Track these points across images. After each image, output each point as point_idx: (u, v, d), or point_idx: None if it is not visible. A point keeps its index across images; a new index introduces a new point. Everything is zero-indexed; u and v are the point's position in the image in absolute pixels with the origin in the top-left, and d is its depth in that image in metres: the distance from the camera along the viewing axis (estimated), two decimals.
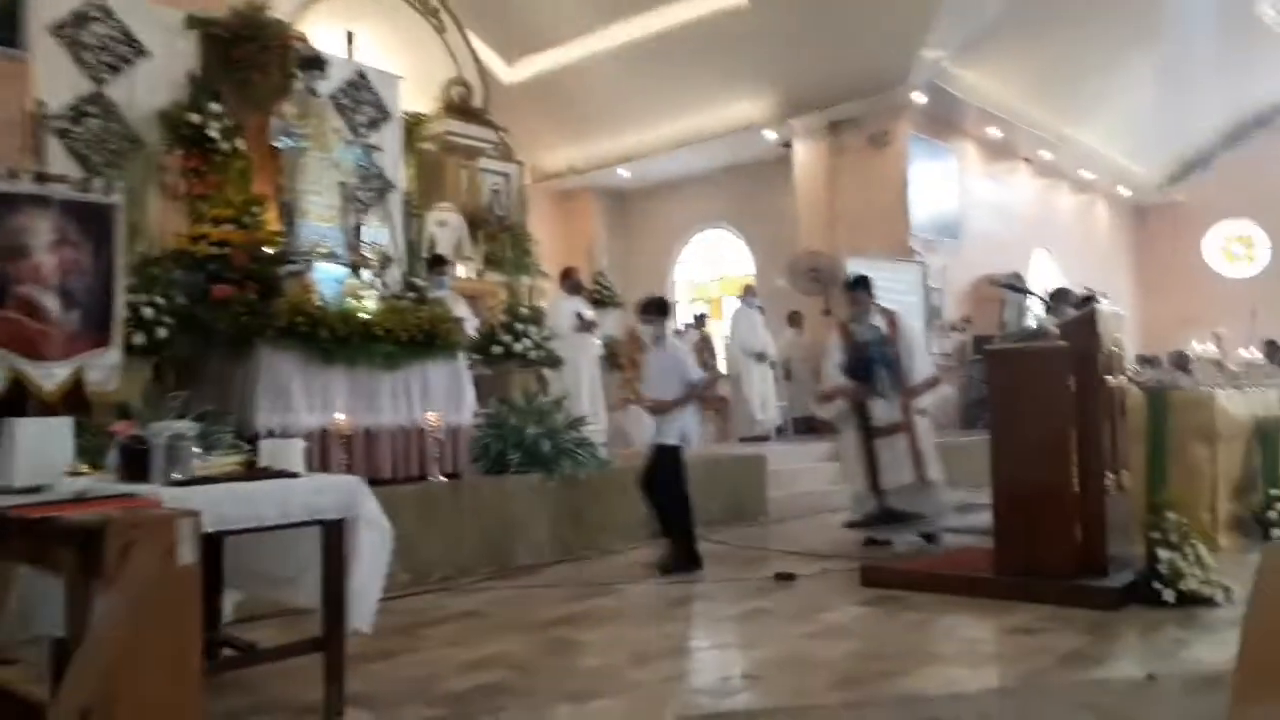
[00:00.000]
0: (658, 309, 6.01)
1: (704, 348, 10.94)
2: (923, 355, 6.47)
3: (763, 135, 14.22)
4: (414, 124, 12.62)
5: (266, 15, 7.05)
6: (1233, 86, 16.55)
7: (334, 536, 3.33)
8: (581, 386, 8.07)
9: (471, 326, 7.79)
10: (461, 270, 11.43)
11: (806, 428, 11.98)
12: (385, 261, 7.03)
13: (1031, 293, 7.04)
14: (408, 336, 6.00)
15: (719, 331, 14.80)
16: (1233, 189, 18.08)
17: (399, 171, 8.31)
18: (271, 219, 6.50)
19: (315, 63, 6.73)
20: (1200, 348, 6.19)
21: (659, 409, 5.78)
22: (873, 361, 6.22)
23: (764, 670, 3.67)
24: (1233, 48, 14.33)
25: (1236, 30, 13.33)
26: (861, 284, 6.49)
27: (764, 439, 10.20)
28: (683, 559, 5.64)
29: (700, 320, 13.05)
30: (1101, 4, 12.95)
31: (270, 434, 5.42)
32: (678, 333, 14.90)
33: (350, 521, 3.36)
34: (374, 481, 5.68)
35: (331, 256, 6.41)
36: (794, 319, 12.69)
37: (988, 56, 13.27)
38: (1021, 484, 4.64)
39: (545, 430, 6.29)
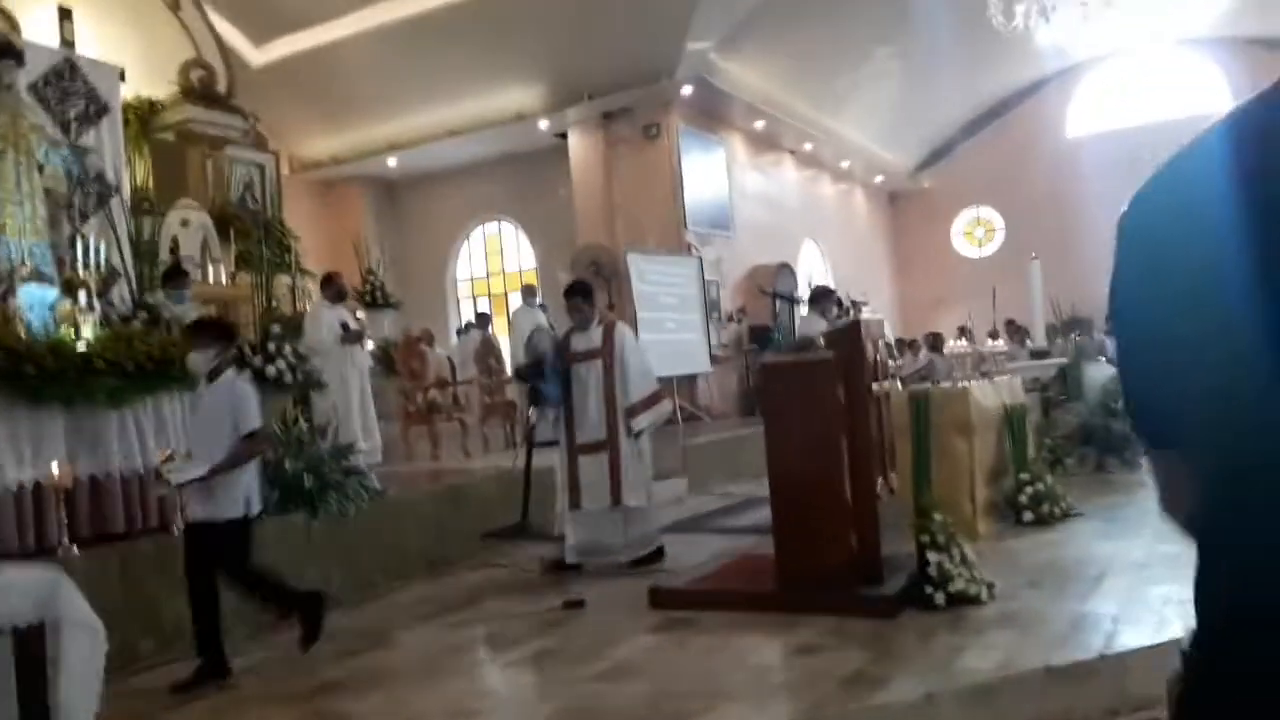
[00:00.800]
0: (213, 333, 4.63)
1: (488, 350, 10.54)
2: (640, 371, 5.99)
3: (538, 124, 13.94)
4: (146, 112, 11.39)
5: None
6: (970, 79, 17.95)
7: (28, 645, 2.78)
8: (351, 406, 7.49)
9: None
10: (210, 274, 10.44)
11: None
12: (109, 278, 6.20)
13: (798, 300, 7.16)
14: (136, 367, 5.27)
15: (503, 331, 14.42)
16: (972, 176, 19.69)
17: (122, 173, 7.38)
18: None
19: (7, 50, 5.79)
20: (953, 344, 6.50)
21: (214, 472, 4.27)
22: (538, 371, 5.93)
23: None
24: (968, 43, 15.48)
25: (971, 26, 14.37)
26: (579, 291, 6.11)
27: (555, 444, 9.94)
28: (210, 669, 4.24)
29: (483, 320, 12.61)
30: (846, 1, 13.60)
31: None
32: (459, 332, 14.42)
33: (50, 625, 2.82)
34: (106, 537, 5.06)
35: (39, 277, 5.56)
36: None
37: (748, 50, 13.63)
38: (798, 495, 4.66)
39: (307, 463, 5.75)
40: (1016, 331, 13.27)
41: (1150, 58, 18.84)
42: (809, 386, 4.63)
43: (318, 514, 5.66)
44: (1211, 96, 18.26)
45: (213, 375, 4.51)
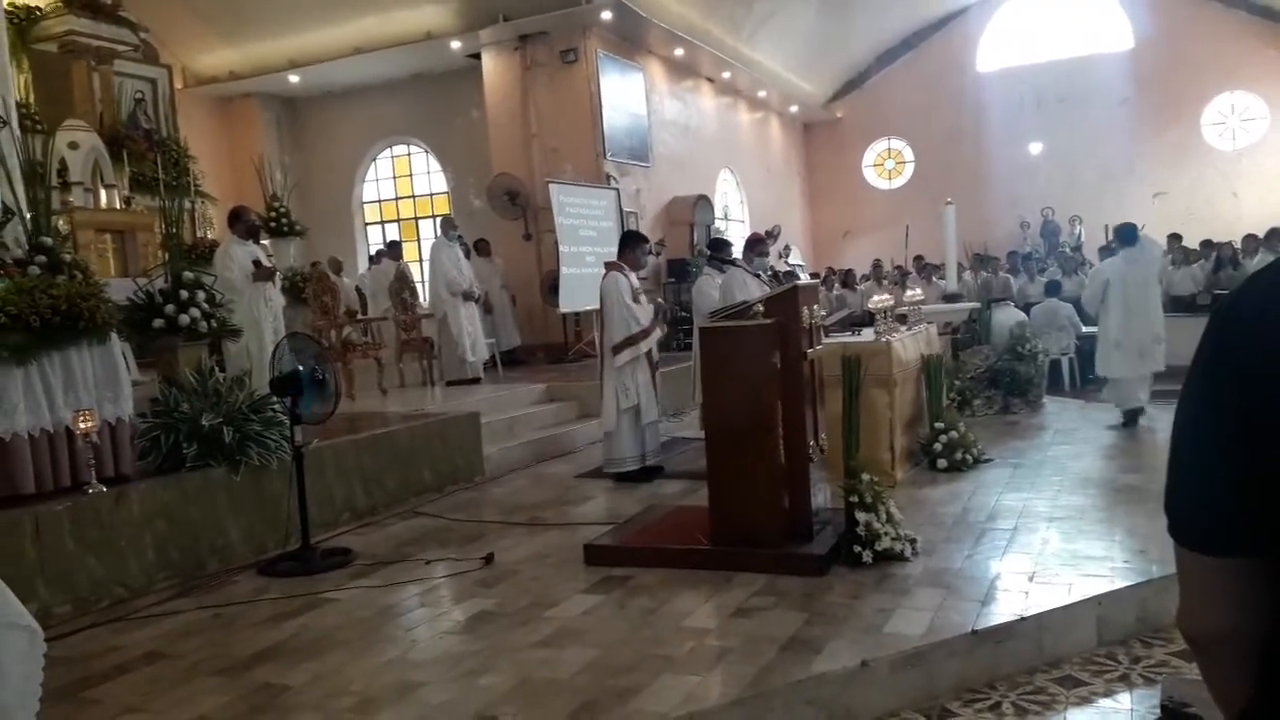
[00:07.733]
0: None
1: (403, 284, 10.23)
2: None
3: (449, 45, 13.39)
4: (24, 20, 10.57)
5: None
6: (884, 9, 17.94)
7: None
8: (266, 351, 7.22)
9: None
10: (104, 199, 9.85)
11: (513, 360, 11.81)
12: (3, 219, 5.78)
13: (736, 263, 7.18)
14: (40, 320, 4.97)
15: (412, 258, 14.07)
16: (884, 107, 19.82)
17: (8, 94, 6.80)
18: None
19: None
20: (877, 299, 6.65)
21: None
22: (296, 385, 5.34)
23: (501, 706, 3.48)
24: None
25: None
26: None
27: (475, 381, 9.84)
28: None
29: (394, 249, 12.22)
30: None
31: None
32: (371, 259, 13.96)
33: None
34: (15, 499, 4.83)
35: None
36: (481, 247, 12.27)
37: None
38: (734, 456, 4.75)
39: (224, 415, 5.57)
40: (924, 269, 13.61)
41: None
42: (748, 352, 4.69)
43: (239, 468, 5.51)
44: (1112, 35, 18.74)
45: None
